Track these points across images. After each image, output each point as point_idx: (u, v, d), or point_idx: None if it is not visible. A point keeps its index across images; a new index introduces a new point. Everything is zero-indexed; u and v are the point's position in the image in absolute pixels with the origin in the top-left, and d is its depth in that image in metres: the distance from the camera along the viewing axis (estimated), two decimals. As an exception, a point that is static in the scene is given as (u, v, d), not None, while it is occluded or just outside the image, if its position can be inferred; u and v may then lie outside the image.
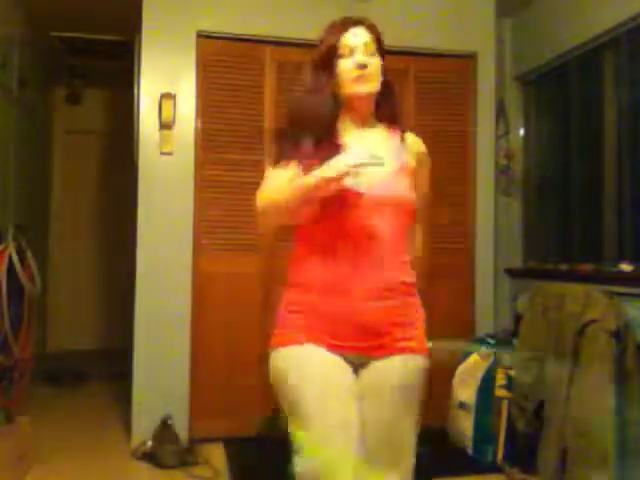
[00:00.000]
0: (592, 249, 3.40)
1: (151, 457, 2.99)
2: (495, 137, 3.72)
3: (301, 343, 1.45)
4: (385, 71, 1.60)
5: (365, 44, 1.56)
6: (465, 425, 3.14)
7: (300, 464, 1.39)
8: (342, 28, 1.59)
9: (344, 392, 1.43)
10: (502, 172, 3.82)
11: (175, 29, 3.28)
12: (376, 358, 1.50)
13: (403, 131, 1.69)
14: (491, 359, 3.19)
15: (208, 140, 3.29)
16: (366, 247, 1.48)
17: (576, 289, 2.84)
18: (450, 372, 3.30)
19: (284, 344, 1.48)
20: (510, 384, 3.05)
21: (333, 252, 1.48)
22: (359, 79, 1.55)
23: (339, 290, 1.46)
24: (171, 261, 3.23)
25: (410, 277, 1.57)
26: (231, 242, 3.36)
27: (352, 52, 1.56)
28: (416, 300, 1.61)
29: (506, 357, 3.17)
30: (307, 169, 1.43)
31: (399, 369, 1.52)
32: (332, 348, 1.45)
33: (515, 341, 3.16)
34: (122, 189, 4.83)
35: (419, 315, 1.62)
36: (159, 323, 3.20)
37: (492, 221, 3.65)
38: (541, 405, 2.87)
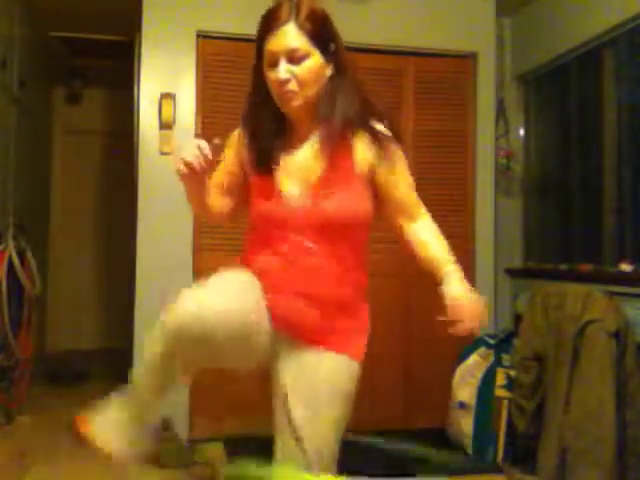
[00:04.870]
0: (592, 249, 3.40)
1: (151, 457, 2.99)
2: (495, 137, 3.72)
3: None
4: (334, 63, 1.43)
5: (291, 50, 1.37)
6: (465, 425, 3.14)
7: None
8: (267, 28, 1.40)
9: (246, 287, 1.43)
10: (502, 172, 3.82)
11: (175, 29, 3.28)
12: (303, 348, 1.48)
13: (352, 131, 1.46)
14: (491, 359, 3.19)
15: (208, 140, 3.29)
16: (293, 258, 1.45)
17: (576, 289, 2.83)
18: (450, 372, 3.30)
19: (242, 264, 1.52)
20: (510, 384, 3.05)
21: (273, 261, 1.48)
22: (283, 96, 1.42)
23: (284, 287, 1.45)
24: (171, 261, 3.23)
25: (348, 288, 1.51)
26: (231, 242, 3.35)
27: (276, 62, 1.39)
28: (353, 310, 1.53)
29: (506, 357, 3.18)
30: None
31: (324, 365, 1.48)
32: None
33: (515, 341, 3.16)
34: (122, 189, 4.82)
35: (356, 324, 1.54)
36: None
37: (492, 221, 3.65)
38: (541, 405, 2.87)
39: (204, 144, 1.36)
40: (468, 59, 3.66)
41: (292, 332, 1.48)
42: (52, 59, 5.02)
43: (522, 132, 4.01)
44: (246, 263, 1.53)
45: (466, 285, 1.50)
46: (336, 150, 1.45)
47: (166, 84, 3.26)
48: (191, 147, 1.36)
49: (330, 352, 1.48)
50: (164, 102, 3.25)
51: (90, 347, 5.67)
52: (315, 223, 1.44)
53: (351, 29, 3.46)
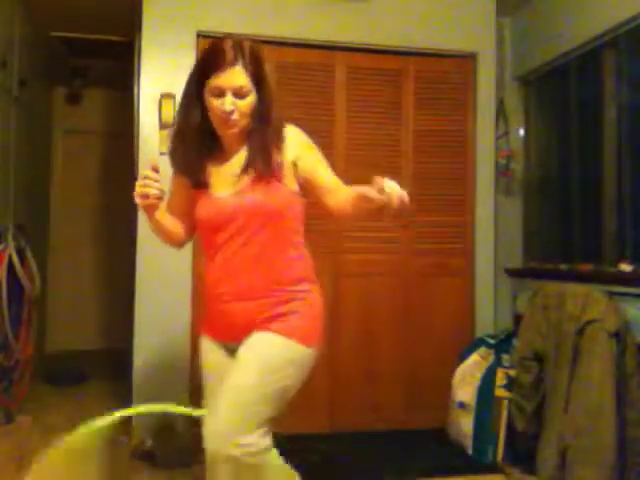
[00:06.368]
0: (592, 249, 3.40)
1: (151, 457, 2.99)
2: (495, 137, 3.72)
3: (204, 334, 1.83)
4: (266, 99, 1.68)
5: (238, 87, 1.62)
6: (465, 425, 3.14)
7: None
8: (214, 65, 1.62)
9: (215, 369, 1.77)
10: (502, 172, 3.82)
11: (175, 29, 3.28)
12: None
13: (279, 139, 1.73)
14: (491, 359, 3.19)
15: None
16: (229, 254, 1.69)
17: (576, 289, 2.84)
18: (450, 372, 3.31)
19: (200, 333, 1.86)
20: (510, 384, 3.05)
21: (210, 260, 1.75)
22: (225, 123, 1.66)
23: (213, 293, 1.74)
24: (171, 262, 3.23)
25: (284, 277, 1.71)
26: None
27: (221, 94, 1.63)
28: (291, 295, 1.71)
29: (506, 357, 3.18)
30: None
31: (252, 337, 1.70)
32: (215, 338, 1.80)
33: (515, 341, 3.16)
34: (122, 189, 4.82)
35: (287, 308, 1.71)
36: (159, 323, 3.20)
37: (492, 221, 3.65)
38: (541, 405, 2.87)
39: (149, 172, 1.61)
40: (468, 59, 3.66)
41: (234, 339, 1.72)
42: (52, 59, 5.02)
43: (522, 132, 4.00)
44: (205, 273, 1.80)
45: None
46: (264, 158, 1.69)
47: (166, 84, 3.26)
48: (140, 180, 1.61)
49: (266, 332, 1.68)
50: (164, 102, 3.25)
51: (90, 347, 5.67)
52: (244, 216, 1.67)
53: (351, 29, 3.49)
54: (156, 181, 1.60)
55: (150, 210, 1.67)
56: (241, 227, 1.68)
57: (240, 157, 1.73)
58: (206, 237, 1.77)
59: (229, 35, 1.69)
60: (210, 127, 1.71)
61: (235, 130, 1.68)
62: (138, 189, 1.60)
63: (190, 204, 1.79)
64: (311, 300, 1.75)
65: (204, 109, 1.69)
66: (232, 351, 1.75)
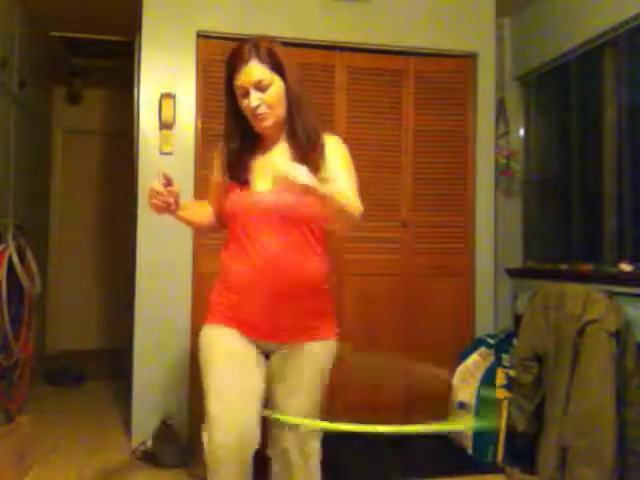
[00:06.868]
0: (592, 249, 3.40)
1: (151, 457, 2.99)
2: (495, 137, 3.72)
3: (218, 323, 1.79)
4: (292, 87, 1.74)
5: (257, 81, 1.69)
6: (465, 425, 3.14)
7: (206, 411, 1.72)
8: (234, 67, 1.72)
9: (240, 359, 1.74)
10: (502, 172, 3.82)
11: (175, 29, 3.28)
12: (281, 345, 1.78)
13: (317, 142, 1.78)
14: (491, 359, 3.19)
15: (208, 140, 3.29)
16: (264, 252, 1.72)
17: (576, 289, 2.84)
18: (450, 372, 3.30)
19: (207, 323, 1.83)
20: (510, 384, 3.05)
21: (241, 256, 1.75)
22: (255, 118, 1.74)
23: (248, 292, 1.73)
24: (171, 261, 3.23)
25: (313, 275, 1.77)
26: (231, 242, 3.35)
27: (246, 92, 1.71)
28: (320, 295, 1.80)
29: (506, 357, 3.18)
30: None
31: (302, 353, 1.78)
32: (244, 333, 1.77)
33: (515, 341, 3.16)
34: (122, 189, 4.83)
35: (322, 307, 1.82)
36: (159, 323, 3.20)
37: (492, 221, 3.65)
38: (541, 405, 2.87)
39: (157, 184, 1.66)
40: (468, 59, 3.66)
41: (272, 338, 1.77)
42: (52, 59, 5.02)
43: (522, 132, 4.01)
44: (223, 271, 1.82)
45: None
46: (304, 154, 1.75)
47: (166, 84, 3.26)
48: (149, 191, 1.66)
49: (310, 343, 1.77)
50: (164, 102, 3.24)
51: (90, 347, 5.68)
52: (281, 214, 1.70)
53: (351, 29, 3.50)
54: (163, 193, 1.65)
55: (168, 213, 1.73)
56: (278, 224, 1.72)
57: (279, 148, 1.80)
58: (240, 232, 1.77)
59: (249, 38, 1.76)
60: (251, 127, 1.78)
61: (268, 123, 1.74)
62: (148, 200, 1.68)
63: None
64: (331, 296, 1.86)
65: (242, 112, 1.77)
66: (260, 347, 1.78)
